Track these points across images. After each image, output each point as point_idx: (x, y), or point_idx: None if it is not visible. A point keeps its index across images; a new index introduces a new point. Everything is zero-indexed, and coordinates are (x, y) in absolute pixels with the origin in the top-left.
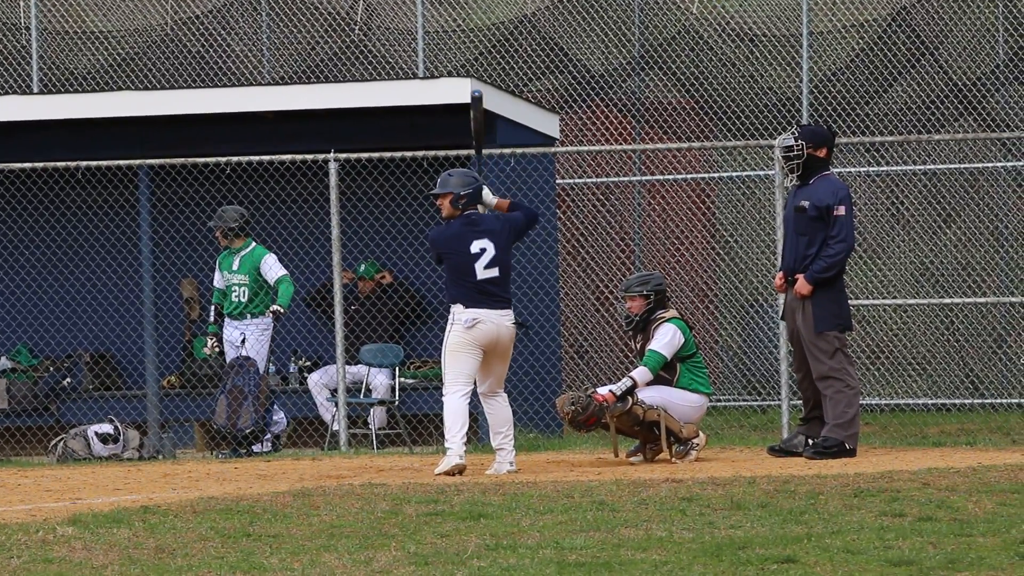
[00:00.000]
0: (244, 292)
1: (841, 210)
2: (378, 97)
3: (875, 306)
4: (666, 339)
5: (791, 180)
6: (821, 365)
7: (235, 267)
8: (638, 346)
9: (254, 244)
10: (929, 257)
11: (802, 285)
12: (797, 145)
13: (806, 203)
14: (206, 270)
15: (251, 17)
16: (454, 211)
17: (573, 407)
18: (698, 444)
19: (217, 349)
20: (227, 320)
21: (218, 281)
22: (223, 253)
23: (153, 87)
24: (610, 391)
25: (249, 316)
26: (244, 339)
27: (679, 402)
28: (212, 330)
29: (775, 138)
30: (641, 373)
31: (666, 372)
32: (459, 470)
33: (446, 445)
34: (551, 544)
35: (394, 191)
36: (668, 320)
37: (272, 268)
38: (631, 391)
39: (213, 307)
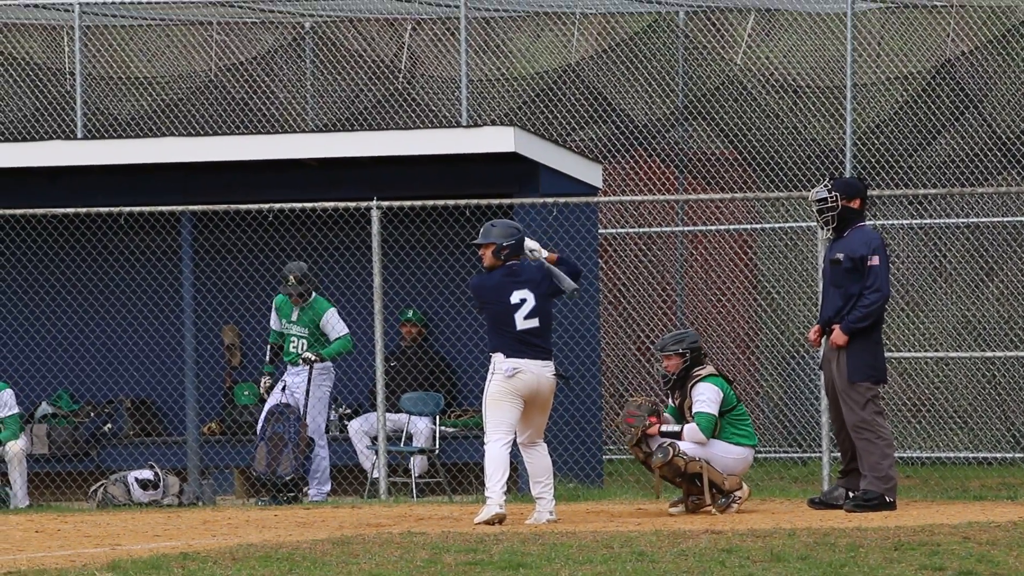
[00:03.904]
0: (303, 344)
1: (875, 260)
2: (421, 145)
3: (917, 359)
4: (706, 396)
5: (827, 233)
6: (852, 415)
7: (294, 318)
8: (676, 404)
9: (314, 295)
10: (971, 310)
11: (837, 335)
12: (831, 197)
13: (840, 255)
14: (247, 317)
15: (295, 64)
16: (496, 261)
17: (637, 407)
18: (740, 497)
19: (269, 386)
20: (289, 367)
21: (275, 323)
22: (282, 297)
23: (197, 133)
24: (658, 424)
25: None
26: (309, 386)
27: (722, 455)
28: (268, 370)
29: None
30: (691, 429)
31: None
32: (499, 519)
33: (486, 494)
34: None
35: (436, 239)
36: (705, 378)
37: (334, 325)
38: (675, 436)
39: (269, 347)
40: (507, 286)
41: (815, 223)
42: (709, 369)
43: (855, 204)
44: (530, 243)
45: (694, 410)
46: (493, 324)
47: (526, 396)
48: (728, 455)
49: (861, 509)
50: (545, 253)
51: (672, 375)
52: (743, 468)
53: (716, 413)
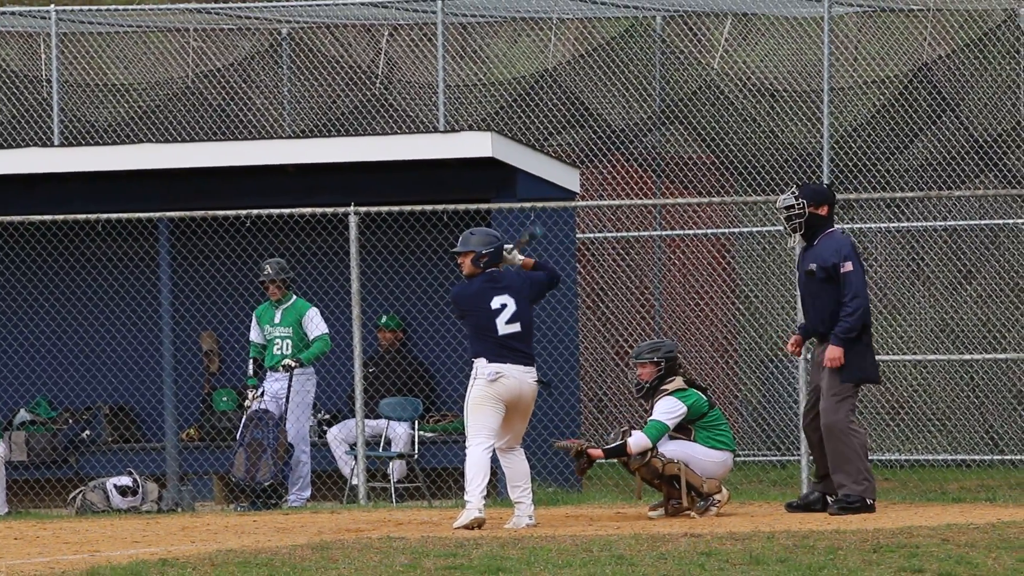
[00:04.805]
0: (287, 344)
1: (848, 266)
2: (399, 150)
3: (895, 362)
4: (664, 408)
5: (796, 241)
6: (828, 415)
7: (277, 320)
8: (650, 411)
9: (295, 297)
10: (949, 313)
11: (832, 353)
12: (798, 204)
13: (813, 266)
14: (225, 323)
15: (272, 70)
16: (475, 269)
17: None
18: (719, 500)
19: (259, 401)
20: (269, 373)
21: (255, 335)
22: (262, 307)
23: (174, 140)
24: (602, 449)
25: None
26: (288, 392)
27: (701, 457)
28: (252, 383)
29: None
30: (637, 439)
31: (683, 433)
32: (478, 524)
33: (466, 498)
34: None
35: (414, 245)
36: (671, 393)
37: (314, 323)
38: (619, 450)
39: (251, 360)
40: (487, 292)
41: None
42: (677, 383)
43: (823, 211)
44: (506, 245)
45: (650, 417)
46: (475, 330)
47: (508, 401)
48: (707, 458)
49: (845, 512)
50: (520, 258)
51: (646, 384)
52: (723, 472)
53: (669, 425)
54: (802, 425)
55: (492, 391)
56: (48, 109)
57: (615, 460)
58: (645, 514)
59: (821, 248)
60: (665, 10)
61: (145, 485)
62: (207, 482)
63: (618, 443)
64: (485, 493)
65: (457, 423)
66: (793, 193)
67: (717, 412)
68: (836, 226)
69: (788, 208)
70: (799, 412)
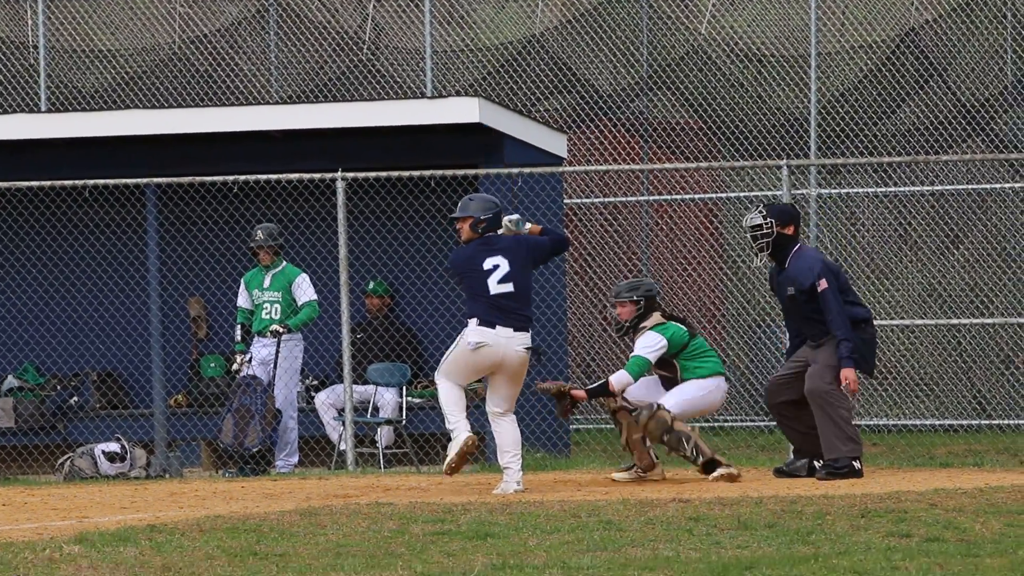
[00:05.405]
0: (276, 309)
1: (823, 283)
2: (386, 116)
3: (883, 327)
4: (644, 343)
5: (762, 260)
6: (814, 378)
7: (266, 284)
8: (632, 350)
9: (285, 262)
10: (937, 278)
11: (849, 376)
12: (767, 223)
13: (792, 290)
14: (213, 289)
15: (259, 36)
16: (473, 235)
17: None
18: (734, 472)
19: (247, 366)
20: (257, 338)
21: (243, 301)
22: (251, 272)
23: (161, 106)
24: (585, 390)
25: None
26: (276, 358)
27: (701, 395)
28: (240, 348)
29: (783, 158)
30: (619, 376)
31: (667, 370)
32: (472, 442)
33: (449, 428)
34: (558, 564)
35: (401, 210)
36: (650, 329)
37: (303, 289)
38: (602, 390)
39: (239, 326)
40: (480, 254)
41: (781, 191)
42: (655, 319)
43: (789, 230)
44: (512, 216)
45: (632, 354)
46: (469, 292)
47: (487, 369)
48: (704, 392)
49: (833, 476)
50: (528, 226)
51: (625, 323)
52: (721, 398)
53: (651, 360)
54: (767, 402)
55: (471, 360)
56: (35, 75)
57: (614, 428)
58: (633, 478)
59: (794, 271)
60: None
61: (133, 451)
62: (195, 448)
63: (600, 382)
64: (465, 415)
65: None
66: (761, 212)
67: (699, 340)
68: (801, 241)
69: (755, 228)
70: None
